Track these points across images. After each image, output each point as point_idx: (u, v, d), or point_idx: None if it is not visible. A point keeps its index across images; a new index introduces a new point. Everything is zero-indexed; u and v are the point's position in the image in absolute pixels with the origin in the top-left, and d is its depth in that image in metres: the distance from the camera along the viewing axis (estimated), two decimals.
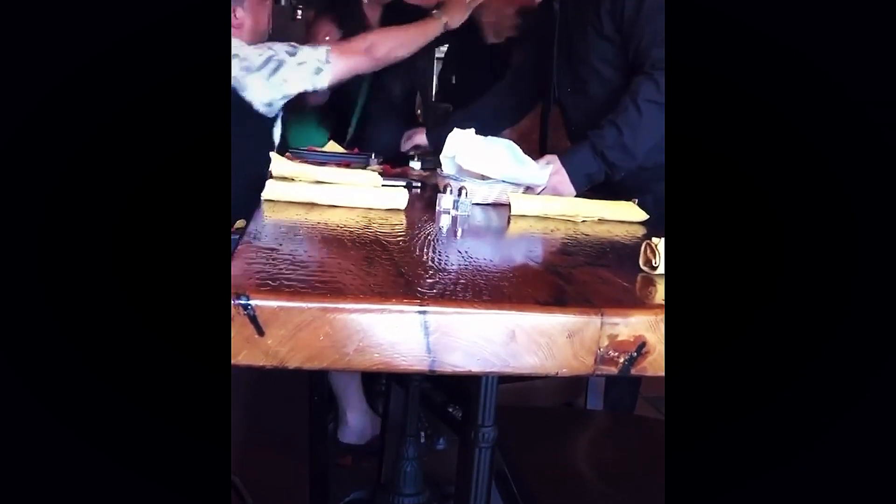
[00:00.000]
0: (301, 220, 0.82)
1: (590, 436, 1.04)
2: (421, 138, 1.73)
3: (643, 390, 1.63)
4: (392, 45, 1.59)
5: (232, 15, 1.49)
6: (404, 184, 1.17)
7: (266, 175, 1.02)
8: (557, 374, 0.51)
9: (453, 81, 2.24)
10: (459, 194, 0.93)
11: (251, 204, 0.90)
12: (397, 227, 0.84)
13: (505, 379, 1.09)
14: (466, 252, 0.72)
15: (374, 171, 1.19)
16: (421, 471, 1.30)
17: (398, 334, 0.47)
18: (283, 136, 1.65)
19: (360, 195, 0.94)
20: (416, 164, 1.44)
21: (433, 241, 0.78)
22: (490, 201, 1.09)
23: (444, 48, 2.25)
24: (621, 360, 0.51)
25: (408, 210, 0.94)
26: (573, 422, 1.10)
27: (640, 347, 0.51)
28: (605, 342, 0.50)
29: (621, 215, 1.05)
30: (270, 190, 0.92)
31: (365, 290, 0.50)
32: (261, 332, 0.45)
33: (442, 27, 1.64)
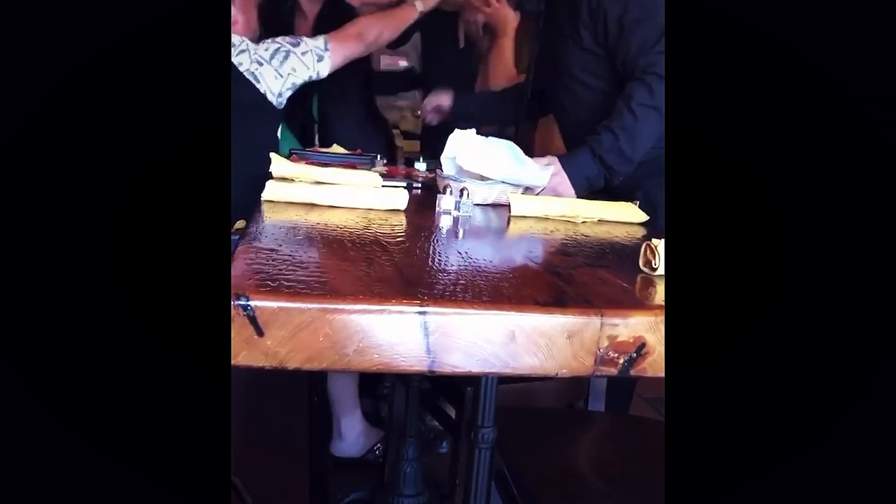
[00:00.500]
0: (301, 220, 0.82)
1: (589, 436, 1.04)
2: (445, 99, 1.75)
3: (642, 391, 1.63)
4: (379, 28, 1.67)
5: None
6: (405, 184, 1.17)
7: (268, 175, 1.02)
8: (557, 374, 0.51)
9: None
10: (461, 195, 0.92)
11: (254, 204, 0.90)
12: (397, 227, 0.84)
13: (505, 380, 1.09)
14: (466, 253, 0.72)
15: (378, 171, 1.19)
16: (421, 471, 1.29)
17: (398, 335, 0.47)
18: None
19: (360, 196, 0.94)
20: (420, 166, 1.44)
21: (433, 241, 0.78)
22: (490, 202, 1.09)
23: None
24: (621, 360, 0.51)
25: (408, 211, 0.94)
26: (572, 423, 1.10)
27: (640, 348, 0.51)
28: (605, 343, 0.50)
29: (621, 216, 1.05)
30: (270, 191, 0.92)
31: (365, 291, 0.50)
32: (260, 333, 0.45)
33: (417, 13, 1.74)
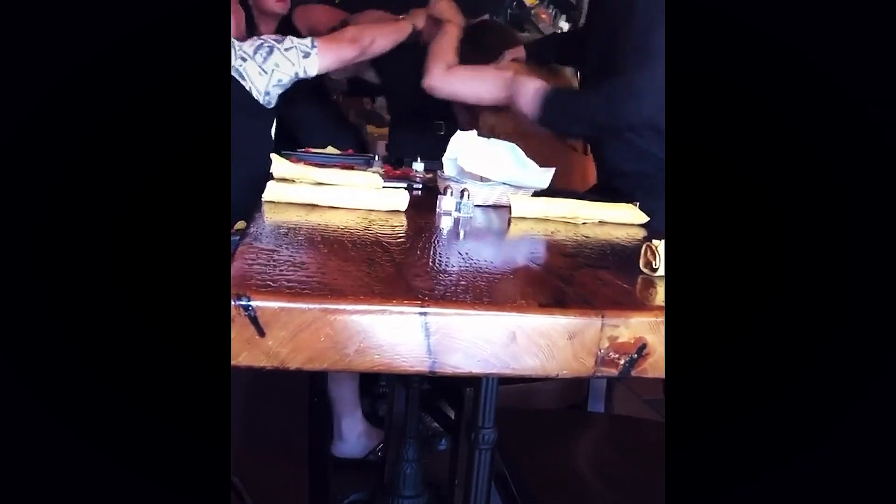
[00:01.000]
0: (301, 221, 0.82)
1: (589, 438, 1.04)
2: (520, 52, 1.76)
3: (642, 393, 1.63)
4: (372, 35, 1.66)
5: None
6: (405, 185, 1.17)
7: (265, 175, 1.02)
8: (558, 375, 0.51)
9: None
10: (462, 196, 0.92)
11: (251, 204, 0.90)
12: (398, 228, 0.84)
13: (505, 381, 1.09)
14: (467, 254, 0.72)
15: (374, 172, 1.19)
16: (421, 472, 1.29)
17: (399, 335, 0.47)
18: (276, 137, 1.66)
19: (361, 197, 0.94)
20: (419, 166, 1.44)
21: (434, 242, 0.79)
22: (490, 203, 1.09)
23: None
24: (622, 361, 0.51)
25: (408, 211, 0.94)
26: (572, 424, 1.10)
27: (641, 349, 0.51)
28: (606, 344, 0.50)
29: (622, 218, 1.05)
30: (271, 191, 0.92)
31: (366, 292, 0.50)
32: (261, 334, 0.45)
33: (411, 28, 1.74)
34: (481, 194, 1.06)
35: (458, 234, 0.85)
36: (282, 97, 1.62)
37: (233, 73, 1.48)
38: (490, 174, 1.06)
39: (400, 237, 0.78)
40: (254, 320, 0.45)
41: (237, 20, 1.64)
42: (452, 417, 1.28)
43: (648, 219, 1.06)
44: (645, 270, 0.66)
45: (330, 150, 1.60)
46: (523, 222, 0.99)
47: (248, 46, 1.51)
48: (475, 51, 1.70)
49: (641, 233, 1.00)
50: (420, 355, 0.48)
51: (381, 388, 1.97)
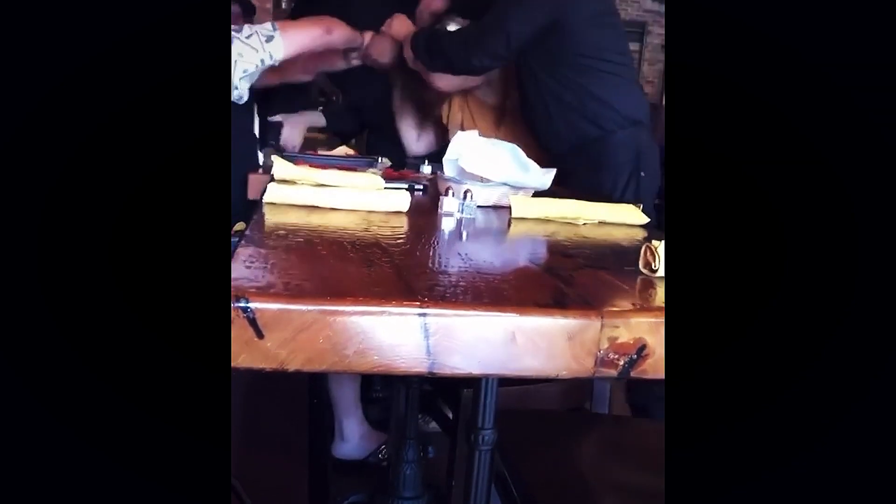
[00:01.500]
0: (302, 222, 0.82)
1: (589, 439, 1.04)
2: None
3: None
4: (345, 30, 1.66)
5: None
6: (406, 186, 1.17)
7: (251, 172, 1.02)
8: (557, 376, 0.51)
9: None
10: (464, 197, 0.92)
11: (239, 203, 0.90)
12: (398, 229, 0.84)
13: (506, 382, 1.08)
14: (467, 255, 0.72)
15: (374, 173, 1.19)
16: (420, 473, 1.29)
17: (398, 336, 0.47)
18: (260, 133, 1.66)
19: (362, 198, 0.94)
20: (426, 168, 1.44)
21: (434, 243, 0.78)
22: (491, 204, 1.09)
23: None
24: (621, 362, 0.51)
25: (409, 213, 0.94)
26: (572, 425, 1.10)
27: (640, 350, 0.51)
28: (606, 344, 0.50)
29: (622, 218, 1.05)
30: (272, 193, 0.92)
31: (365, 293, 0.50)
32: (260, 335, 0.45)
33: (360, 37, 1.78)
34: (482, 195, 1.06)
35: (459, 235, 0.85)
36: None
37: None
38: (491, 175, 1.06)
39: (400, 238, 0.78)
40: (252, 322, 0.45)
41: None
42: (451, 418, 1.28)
43: (649, 220, 1.06)
44: (644, 271, 0.66)
45: (343, 149, 1.60)
46: (523, 223, 0.99)
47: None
48: None
49: (641, 233, 1.00)
50: (419, 356, 0.48)
51: (376, 393, 1.97)
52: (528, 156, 1.12)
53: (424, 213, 1.00)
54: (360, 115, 2.16)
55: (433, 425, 1.73)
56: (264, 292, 0.47)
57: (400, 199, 0.94)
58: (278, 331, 0.46)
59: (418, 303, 0.48)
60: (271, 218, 0.84)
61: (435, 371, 0.48)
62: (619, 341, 0.50)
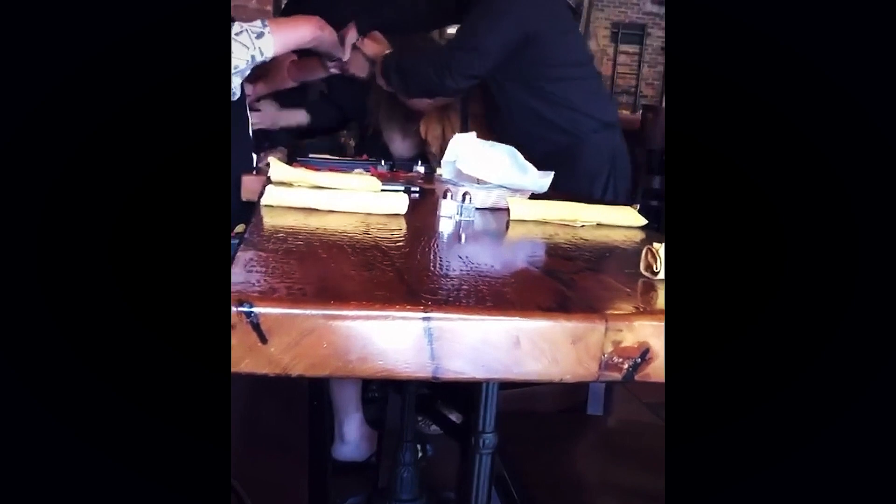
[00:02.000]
0: (300, 225, 0.81)
1: (589, 441, 1.04)
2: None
3: (642, 396, 1.63)
4: (332, 31, 1.65)
5: None
6: (403, 188, 1.17)
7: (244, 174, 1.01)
8: (561, 380, 0.51)
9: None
10: (463, 199, 0.92)
11: (233, 204, 0.90)
12: (397, 232, 0.83)
13: (505, 385, 1.08)
14: (468, 258, 0.72)
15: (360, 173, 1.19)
16: (417, 476, 1.29)
17: (401, 341, 0.47)
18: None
19: (361, 200, 0.94)
20: (420, 168, 1.44)
21: (434, 246, 0.78)
22: (488, 206, 1.08)
23: None
24: (625, 366, 0.50)
25: (406, 215, 0.93)
26: (572, 427, 1.10)
27: (644, 353, 0.50)
28: (610, 348, 0.50)
29: (620, 220, 1.05)
30: (270, 195, 0.91)
31: (368, 297, 0.49)
32: (264, 340, 0.45)
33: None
34: (479, 197, 1.06)
35: (458, 237, 0.85)
36: None
37: None
38: (488, 177, 1.06)
39: (400, 241, 0.78)
40: (256, 327, 0.45)
41: None
42: (454, 420, 1.28)
43: (646, 221, 1.06)
44: (646, 273, 0.65)
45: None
46: (522, 225, 0.98)
47: None
48: None
49: (639, 235, 1.00)
50: (423, 361, 0.48)
51: (372, 394, 1.97)
52: None
53: (422, 215, 1.00)
54: (341, 111, 2.16)
55: (434, 428, 1.73)
56: (268, 297, 0.46)
57: (398, 201, 0.94)
58: (282, 336, 0.45)
59: (422, 307, 0.48)
60: (269, 220, 0.84)
61: (439, 376, 0.48)
62: (623, 345, 0.50)
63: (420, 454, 1.72)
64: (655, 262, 0.64)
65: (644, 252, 0.66)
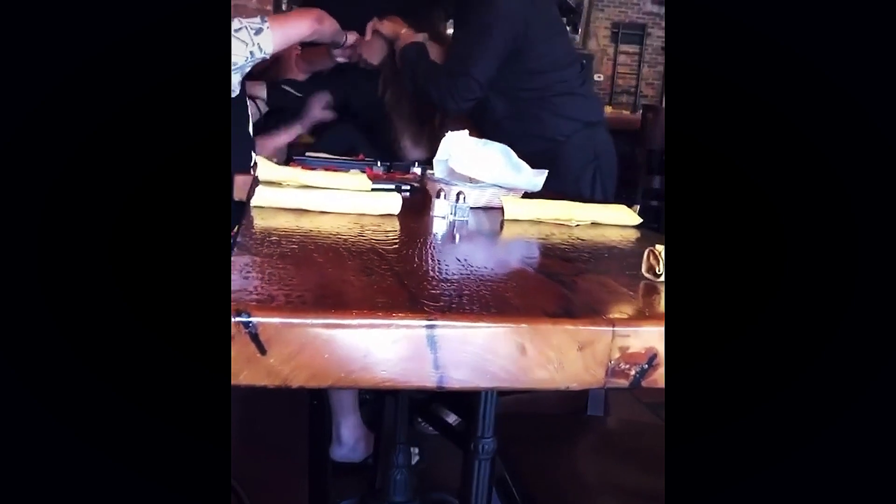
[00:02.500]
0: (292, 227, 0.80)
1: (590, 442, 1.03)
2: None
3: (642, 396, 1.63)
4: (333, 22, 1.64)
5: None
6: (394, 187, 1.15)
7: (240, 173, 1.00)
8: (567, 388, 0.49)
9: None
10: (457, 199, 0.91)
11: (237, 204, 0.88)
12: (392, 233, 0.82)
13: (505, 391, 1.07)
14: (466, 260, 0.71)
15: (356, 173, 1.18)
16: (411, 478, 1.28)
17: (405, 350, 0.46)
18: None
19: (354, 201, 0.92)
20: (417, 169, 1.42)
21: (431, 248, 0.77)
22: (481, 205, 1.07)
23: None
24: (632, 372, 0.50)
25: (400, 215, 0.92)
26: (573, 428, 1.09)
27: (651, 359, 0.50)
28: (617, 354, 0.49)
29: (615, 219, 1.04)
30: (260, 196, 0.89)
31: (369, 305, 0.48)
32: (263, 351, 0.43)
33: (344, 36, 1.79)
34: (472, 196, 1.04)
35: (453, 238, 0.83)
36: None
37: None
38: (481, 176, 1.05)
39: (396, 243, 0.76)
40: (254, 338, 0.43)
41: None
42: (450, 423, 1.26)
43: (642, 220, 1.05)
44: (648, 276, 0.65)
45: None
46: (517, 225, 0.97)
47: None
48: None
49: (635, 234, 0.99)
50: (426, 370, 0.46)
51: (366, 395, 1.96)
52: None
53: (415, 215, 0.98)
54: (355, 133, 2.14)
55: (431, 429, 1.71)
56: (265, 306, 0.45)
57: (391, 201, 0.92)
58: (281, 346, 0.44)
59: (425, 315, 0.46)
60: (260, 222, 0.82)
61: (443, 385, 0.47)
62: (630, 351, 0.49)
63: (416, 458, 1.71)
64: (658, 263, 0.63)
65: (646, 254, 0.65)
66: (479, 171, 1.04)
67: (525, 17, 1.61)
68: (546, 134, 1.66)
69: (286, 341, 0.44)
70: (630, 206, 1.09)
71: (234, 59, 1.42)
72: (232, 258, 0.58)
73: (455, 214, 0.91)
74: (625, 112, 5.08)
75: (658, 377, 0.50)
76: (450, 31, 1.93)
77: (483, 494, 0.78)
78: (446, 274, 0.63)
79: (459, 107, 1.65)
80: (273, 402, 1.95)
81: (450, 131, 1.08)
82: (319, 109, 1.92)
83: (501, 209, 1.00)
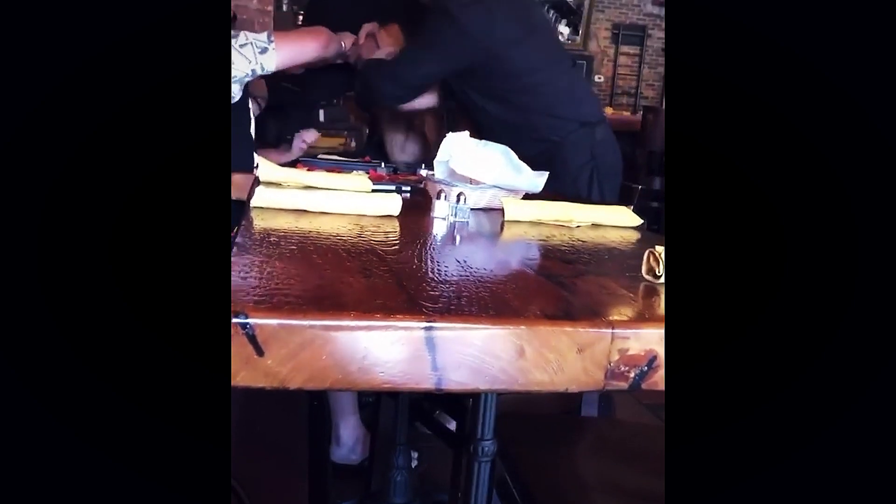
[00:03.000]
0: (292, 227, 0.80)
1: (590, 442, 1.03)
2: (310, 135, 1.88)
3: (642, 397, 1.63)
4: (336, 43, 1.65)
5: None
6: (394, 188, 1.15)
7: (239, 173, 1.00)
8: (567, 390, 0.49)
9: None
10: (458, 200, 0.91)
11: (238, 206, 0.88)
12: (391, 235, 0.82)
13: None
14: (465, 261, 0.71)
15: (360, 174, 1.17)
16: (411, 480, 1.28)
17: (403, 351, 0.46)
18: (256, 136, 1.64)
19: (354, 202, 0.92)
20: (424, 172, 1.42)
21: (431, 250, 0.77)
22: (482, 206, 1.07)
23: None
24: (632, 374, 0.49)
25: (400, 216, 0.92)
26: (573, 428, 1.09)
27: (651, 361, 0.49)
28: (616, 357, 0.49)
29: (615, 220, 1.04)
30: (260, 197, 0.89)
31: (368, 306, 0.48)
32: (260, 353, 0.43)
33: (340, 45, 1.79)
34: (472, 197, 1.04)
35: (453, 240, 0.83)
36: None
37: None
38: (482, 177, 1.05)
39: (395, 245, 0.76)
40: (252, 339, 0.43)
41: None
42: (448, 426, 1.26)
43: (642, 221, 1.05)
44: (648, 277, 0.64)
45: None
46: (517, 226, 0.97)
47: None
48: None
49: (635, 235, 0.99)
50: (425, 372, 0.46)
51: (368, 398, 1.96)
52: None
53: (415, 216, 0.98)
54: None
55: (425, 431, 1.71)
56: (263, 306, 0.45)
57: (391, 202, 0.92)
58: (279, 347, 0.43)
59: (424, 316, 0.46)
60: (260, 223, 0.82)
61: (442, 387, 0.46)
62: (630, 353, 0.49)
63: (416, 461, 1.71)
64: (658, 265, 0.63)
65: (646, 255, 0.65)
66: (479, 172, 1.04)
67: (481, 29, 1.59)
68: (541, 135, 1.65)
69: (284, 342, 0.44)
70: (625, 204, 1.08)
71: (235, 72, 1.44)
72: (232, 259, 0.58)
73: (455, 215, 0.91)
74: (625, 113, 5.08)
75: (658, 379, 0.50)
76: None
77: (483, 497, 0.77)
78: (445, 275, 0.63)
79: (393, 92, 1.66)
80: (273, 402, 1.95)
81: (450, 133, 1.08)
82: (308, 142, 1.94)
83: (502, 210, 1.00)
